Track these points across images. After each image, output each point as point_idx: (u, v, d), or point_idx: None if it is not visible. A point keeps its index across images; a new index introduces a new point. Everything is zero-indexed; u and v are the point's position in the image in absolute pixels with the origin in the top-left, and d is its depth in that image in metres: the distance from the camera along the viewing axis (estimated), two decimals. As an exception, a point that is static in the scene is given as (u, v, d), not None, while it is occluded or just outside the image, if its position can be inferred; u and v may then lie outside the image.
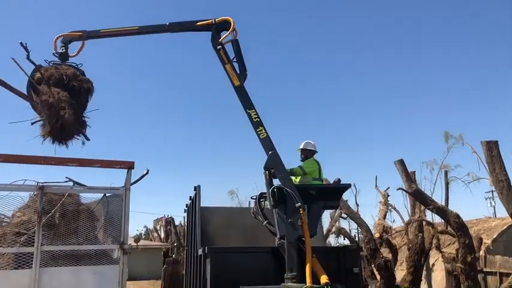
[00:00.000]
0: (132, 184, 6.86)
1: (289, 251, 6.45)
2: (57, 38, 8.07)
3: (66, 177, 7.01)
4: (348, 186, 7.55)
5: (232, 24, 7.57)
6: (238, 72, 7.45)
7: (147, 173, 7.24)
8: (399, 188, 13.09)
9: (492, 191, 27.44)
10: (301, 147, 7.81)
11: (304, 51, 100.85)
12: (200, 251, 7.19)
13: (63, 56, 8.05)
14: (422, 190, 12.69)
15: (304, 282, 6.11)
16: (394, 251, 15.35)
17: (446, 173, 14.59)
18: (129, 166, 6.83)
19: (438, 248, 14.78)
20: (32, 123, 7.72)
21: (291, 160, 7.66)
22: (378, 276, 13.60)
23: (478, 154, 11.78)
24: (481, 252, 15.09)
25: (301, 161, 7.74)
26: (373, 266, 13.65)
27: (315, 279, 6.21)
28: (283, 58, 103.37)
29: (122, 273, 6.38)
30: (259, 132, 7.15)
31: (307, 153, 7.75)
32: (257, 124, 7.18)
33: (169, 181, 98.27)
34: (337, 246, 11.17)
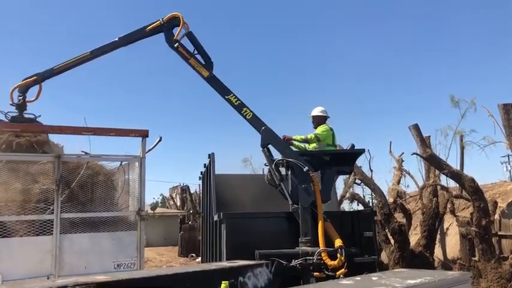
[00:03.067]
0: (147, 152, 6.95)
1: (304, 215, 6.53)
2: (13, 89, 7.51)
3: (82, 151, 7.11)
4: (361, 151, 7.54)
5: (181, 18, 7.28)
6: (203, 63, 7.27)
7: (160, 140, 7.33)
8: (414, 153, 13.02)
9: (508, 155, 27.16)
10: (313, 114, 7.77)
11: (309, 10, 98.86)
12: (216, 217, 7.29)
13: (21, 107, 7.47)
14: (437, 155, 12.63)
15: (319, 246, 6.21)
16: (408, 215, 15.39)
17: (461, 137, 14.48)
18: (144, 134, 6.90)
19: (452, 212, 14.77)
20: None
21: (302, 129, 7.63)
22: (392, 241, 13.70)
23: (494, 117, 11.65)
24: (496, 216, 15.01)
25: (314, 128, 7.70)
26: (387, 230, 13.73)
27: (330, 243, 6.30)
28: (286, 19, 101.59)
29: (140, 238, 6.55)
30: (244, 114, 7.08)
31: (319, 120, 7.70)
32: (240, 107, 7.11)
33: (185, 150, 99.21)
34: (351, 211, 11.22)
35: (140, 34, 7.52)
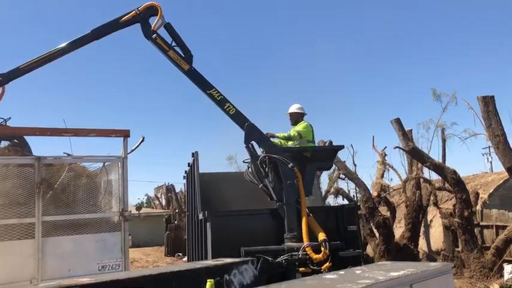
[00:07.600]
0: (129, 153, 6.89)
1: (289, 211, 6.54)
2: None
3: (64, 153, 7.00)
4: (341, 147, 7.61)
5: (158, 8, 6.96)
6: (183, 55, 6.96)
7: (142, 140, 7.26)
8: (396, 147, 13.20)
9: (489, 147, 27.68)
10: (290, 111, 7.77)
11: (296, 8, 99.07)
12: (201, 216, 7.27)
13: None
14: (419, 148, 12.79)
15: (303, 241, 6.23)
16: (392, 208, 15.58)
17: (443, 129, 14.72)
18: (125, 134, 6.84)
19: (436, 204, 15.00)
20: None
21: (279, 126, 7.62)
22: (377, 234, 13.84)
23: (474, 110, 11.84)
24: (478, 207, 15.30)
25: (292, 125, 7.69)
26: (371, 224, 13.87)
27: (314, 238, 6.34)
28: (268, 17, 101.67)
29: (124, 239, 6.50)
30: (227, 109, 6.91)
31: (297, 117, 7.70)
32: (222, 102, 6.92)
33: (169, 150, 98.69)
34: (336, 206, 11.29)
35: (114, 26, 7.06)
